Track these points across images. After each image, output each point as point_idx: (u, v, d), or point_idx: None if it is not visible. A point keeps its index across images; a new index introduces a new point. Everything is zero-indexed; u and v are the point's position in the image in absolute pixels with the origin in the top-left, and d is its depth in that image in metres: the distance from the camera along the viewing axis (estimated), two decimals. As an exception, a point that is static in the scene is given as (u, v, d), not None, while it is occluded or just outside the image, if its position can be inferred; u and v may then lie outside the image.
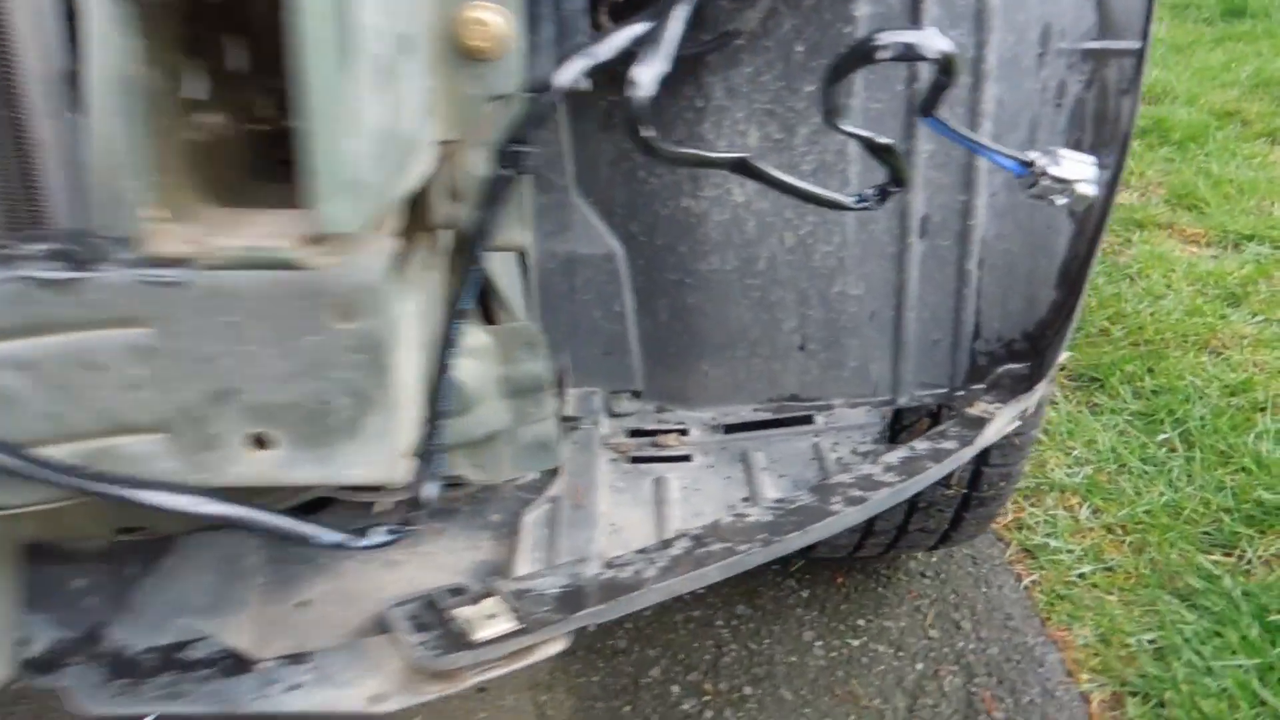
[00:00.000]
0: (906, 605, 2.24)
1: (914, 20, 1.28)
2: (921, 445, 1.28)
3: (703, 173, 1.37)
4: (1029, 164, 0.94)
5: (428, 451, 0.88)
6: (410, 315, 0.80)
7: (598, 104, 1.36)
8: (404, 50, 0.69)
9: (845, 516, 1.13)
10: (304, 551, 1.22)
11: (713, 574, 1.04)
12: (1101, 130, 1.33)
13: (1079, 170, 0.94)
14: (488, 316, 1.08)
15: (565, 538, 1.20)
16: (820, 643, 2.13)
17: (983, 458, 1.62)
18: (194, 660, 0.97)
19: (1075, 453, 2.63)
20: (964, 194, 1.37)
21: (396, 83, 0.69)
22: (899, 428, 1.48)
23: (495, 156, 0.80)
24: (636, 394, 1.52)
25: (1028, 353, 1.45)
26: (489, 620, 0.97)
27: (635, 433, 1.45)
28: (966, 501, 1.72)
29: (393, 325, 0.76)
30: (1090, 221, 1.36)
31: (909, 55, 0.80)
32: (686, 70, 1.32)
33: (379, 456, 0.79)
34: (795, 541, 1.09)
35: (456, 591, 1.09)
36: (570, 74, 0.79)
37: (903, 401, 1.47)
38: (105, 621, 1.05)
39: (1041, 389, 1.38)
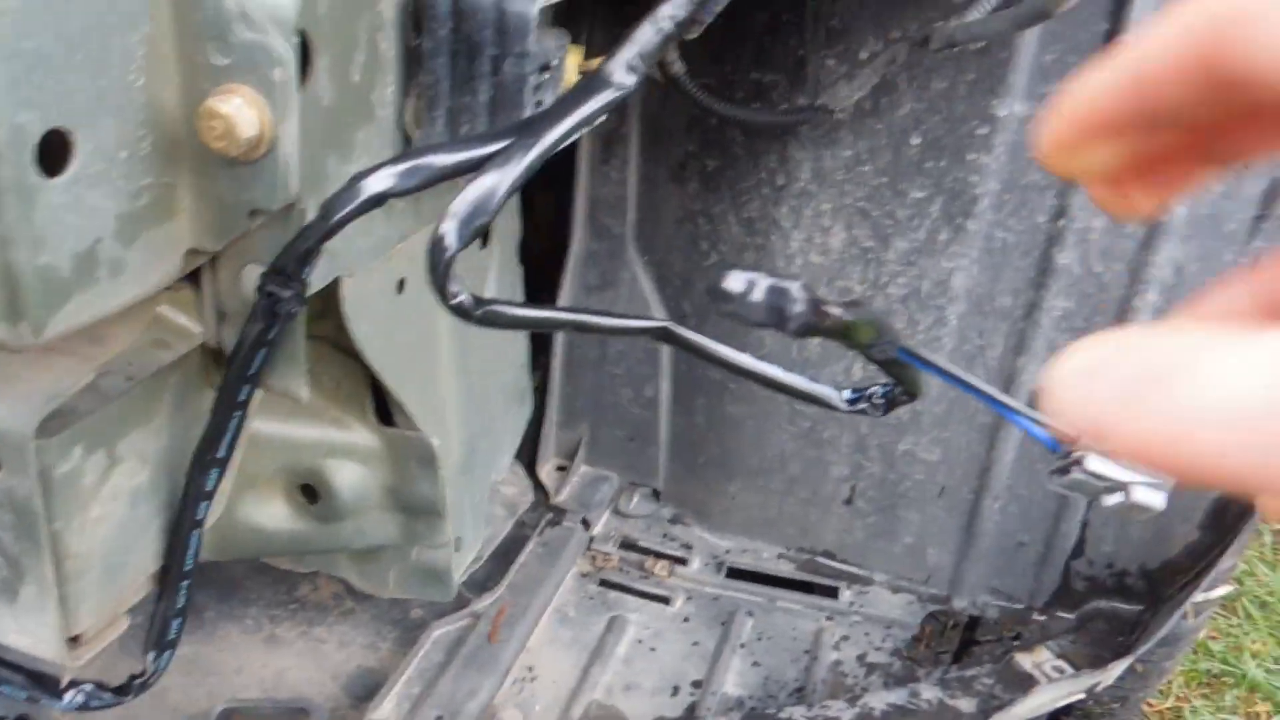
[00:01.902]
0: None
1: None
2: (928, 694, 0.96)
3: (769, 266, 1.09)
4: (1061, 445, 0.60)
5: (160, 618, 0.69)
6: (109, 467, 0.61)
7: (674, 149, 1.10)
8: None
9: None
10: (196, 602, 1.09)
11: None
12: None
13: (1132, 470, 0.59)
14: (385, 417, 0.88)
15: (453, 678, 0.99)
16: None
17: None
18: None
19: (1293, 643, 2.10)
20: (1100, 377, 1.00)
21: (85, 186, 0.49)
22: (969, 641, 1.14)
23: (264, 281, 0.58)
24: (656, 494, 1.28)
25: (1142, 593, 1.07)
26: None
27: (629, 545, 1.21)
28: None
29: (51, 485, 0.57)
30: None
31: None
32: (772, 138, 1.03)
33: (37, 630, 0.61)
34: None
35: (292, 713, 0.92)
36: (379, 184, 0.55)
37: (959, 604, 1.14)
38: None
39: (1135, 655, 1.01)
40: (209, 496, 0.67)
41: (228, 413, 0.63)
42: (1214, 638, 2.01)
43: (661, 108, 1.08)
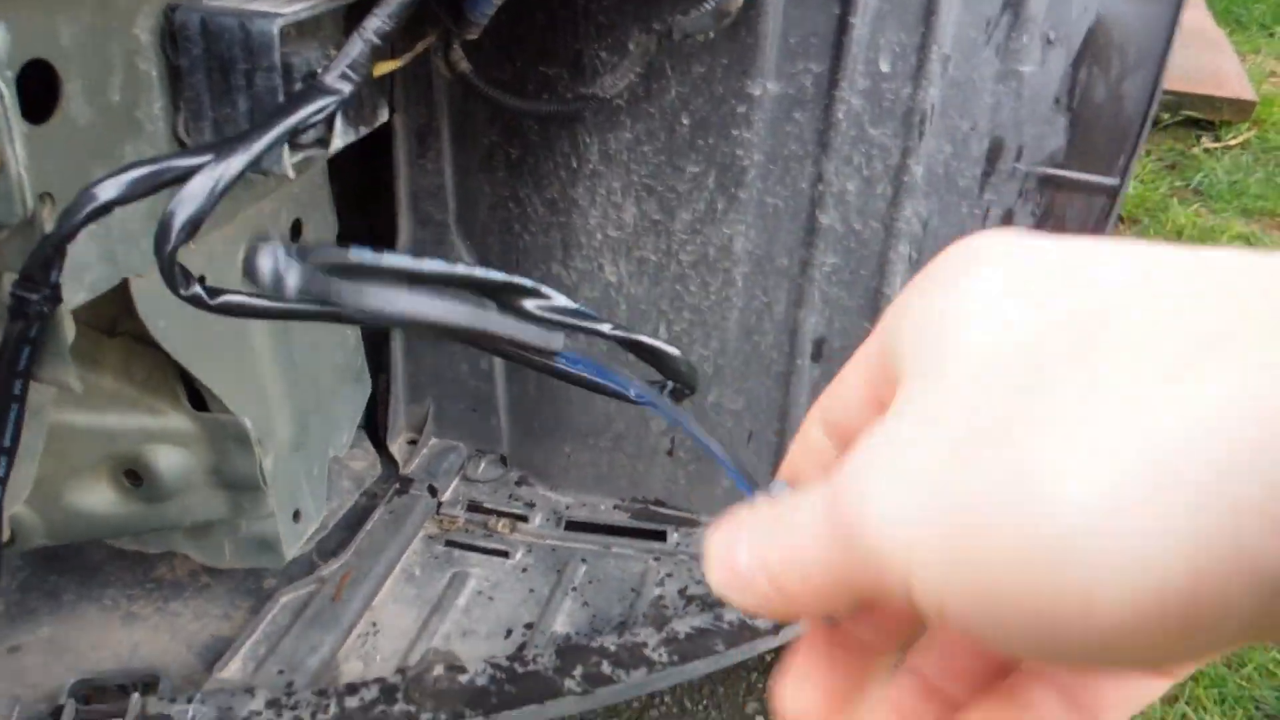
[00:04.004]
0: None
1: (826, 112, 1.02)
2: (730, 616, 1.06)
3: (574, 242, 1.18)
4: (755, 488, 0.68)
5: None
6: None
7: (480, 140, 1.18)
8: None
9: (565, 703, 0.95)
10: (50, 585, 1.17)
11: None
12: (1051, 282, 1.03)
13: None
14: (198, 403, 0.96)
15: (296, 636, 1.08)
16: (761, 717, 1.95)
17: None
18: None
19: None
20: (868, 321, 1.10)
21: None
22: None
23: (15, 286, 0.66)
24: (504, 459, 1.37)
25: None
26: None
27: (474, 507, 1.30)
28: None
29: None
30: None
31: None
32: (561, 124, 1.11)
33: None
34: (481, 732, 0.92)
35: (138, 686, 1.01)
36: (107, 193, 0.63)
37: (775, 541, 1.24)
38: None
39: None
40: (2, 482, 0.74)
41: (5, 405, 0.71)
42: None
43: (466, 102, 1.15)
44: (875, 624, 0.31)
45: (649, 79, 1.05)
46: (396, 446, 1.35)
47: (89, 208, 0.63)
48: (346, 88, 0.71)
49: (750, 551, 0.27)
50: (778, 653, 1.44)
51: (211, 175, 0.63)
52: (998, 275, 0.25)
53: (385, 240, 1.29)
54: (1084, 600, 0.20)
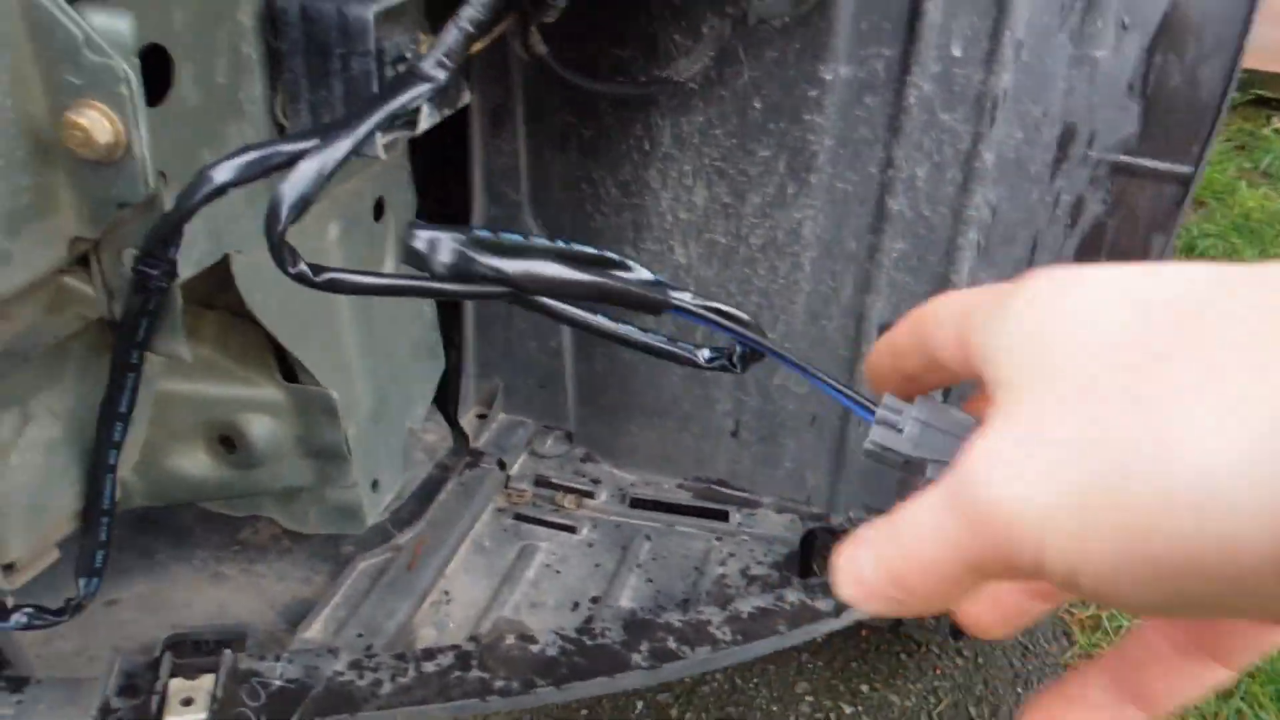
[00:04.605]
0: (923, 683, 2.00)
1: (897, 96, 1.03)
2: (792, 596, 1.09)
3: (645, 224, 1.20)
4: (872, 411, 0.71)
5: (87, 547, 0.82)
6: (23, 423, 0.73)
7: (554, 120, 1.21)
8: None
9: (630, 678, 0.98)
10: (144, 545, 1.23)
11: (442, 714, 0.94)
12: (1121, 268, 1.03)
13: (935, 442, 0.70)
14: (288, 374, 1.00)
15: (374, 602, 1.13)
16: (811, 698, 1.96)
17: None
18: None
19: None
20: (936, 308, 1.12)
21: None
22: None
23: (136, 261, 0.70)
24: (570, 436, 1.40)
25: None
26: (182, 707, 0.92)
27: (541, 482, 1.34)
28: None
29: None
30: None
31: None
32: (635, 107, 1.14)
33: (-24, 556, 0.75)
34: (551, 697, 0.96)
35: (227, 642, 1.06)
36: (222, 175, 0.67)
37: (836, 521, 1.26)
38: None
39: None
40: (117, 446, 0.79)
41: (122, 373, 0.76)
42: None
43: (539, 83, 1.18)
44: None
45: (722, 63, 1.07)
46: (467, 421, 1.39)
47: (205, 190, 0.67)
48: (442, 75, 0.74)
49: (873, 561, 0.31)
50: (831, 634, 1.47)
51: (318, 160, 0.67)
52: (1089, 289, 0.28)
53: (460, 218, 1.32)
54: (1227, 547, 0.22)
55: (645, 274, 0.84)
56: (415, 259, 0.51)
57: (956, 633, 1.67)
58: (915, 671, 2.01)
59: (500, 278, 0.52)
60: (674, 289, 0.67)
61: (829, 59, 1.03)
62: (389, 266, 1.11)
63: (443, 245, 0.53)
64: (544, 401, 1.39)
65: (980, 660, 2.07)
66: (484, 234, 0.61)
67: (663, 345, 0.75)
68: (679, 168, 1.15)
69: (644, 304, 0.64)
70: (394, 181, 1.11)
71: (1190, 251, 2.86)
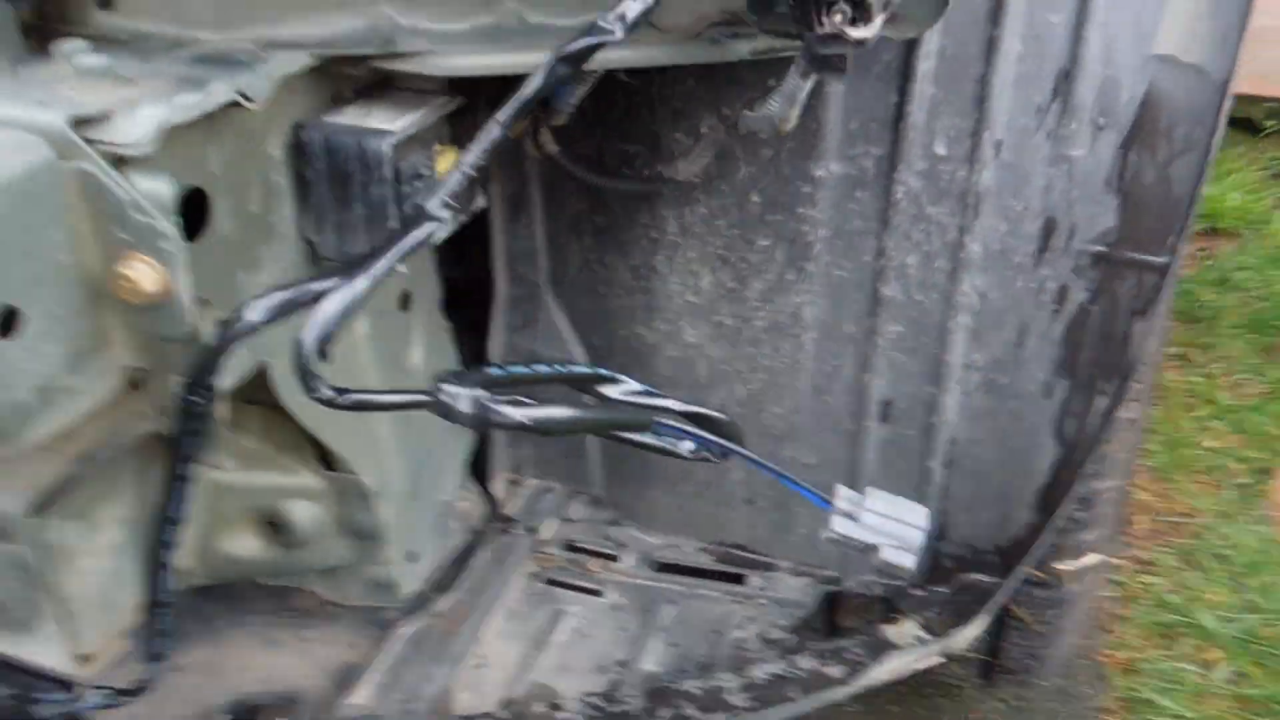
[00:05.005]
0: (960, 727, 2.02)
1: (886, 191, 1.09)
2: (804, 663, 1.15)
3: (656, 305, 1.28)
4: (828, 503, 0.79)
5: (151, 635, 0.92)
6: (89, 530, 0.83)
7: (568, 208, 1.29)
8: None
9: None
10: (204, 612, 1.33)
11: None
12: (1107, 351, 1.08)
13: (891, 530, 0.77)
14: (327, 462, 1.10)
15: (416, 667, 1.21)
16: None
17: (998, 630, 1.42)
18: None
19: (1247, 594, 2.19)
20: (932, 386, 1.17)
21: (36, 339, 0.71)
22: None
23: (183, 388, 0.80)
24: (598, 500, 1.48)
25: (998, 567, 1.24)
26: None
27: (569, 546, 1.42)
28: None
29: (46, 550, 0.80)
30: (1081, 449, 1.13)
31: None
32: (642, 199, 1.22)
33: (55, 653, 0.84)
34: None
35: (277, 709, 1.15)
36: (253, 316, 0.76)
37: (849, 584, 1.32)
38: None
39: (979, 624, 1.18)
40: (173, 546, 0.89)
41: (178, 485, 0.85)
42: (1172, 591, 2.12)
43: (554, 174, 1.27)
44: None
45: (721, 160, 1.15)
46: (498, 485, 1.47)
47: (239, 329, 0.76)
48: (448, 215, 0.83)
49: None
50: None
51: (340, 298, 0.75)
52: None
53: (482, 299, 1.41)
54: None
55: (634, 384, 0.94)
56: (444, 411, 0.66)
57: (988, 674, 1.70)
58: (952, 715, 2.03)
59: (516, 426, 0.67)
60: (660, 397, 0.82)
61: (821, 157, 1.10)
62: (416, 354, 1.20)
63: (463, 400, 0.68)
64: (571, 466, 1.47)
65: (1018, 704, 2.08)
66: (497, 372, 0.77)
67: (651, 442, 0.86)
68: (685, 254, 1.22)
69: (634, 426, 0.79)
70: (418, 275, 1.20)
71: (1224, 284, 2.84)
